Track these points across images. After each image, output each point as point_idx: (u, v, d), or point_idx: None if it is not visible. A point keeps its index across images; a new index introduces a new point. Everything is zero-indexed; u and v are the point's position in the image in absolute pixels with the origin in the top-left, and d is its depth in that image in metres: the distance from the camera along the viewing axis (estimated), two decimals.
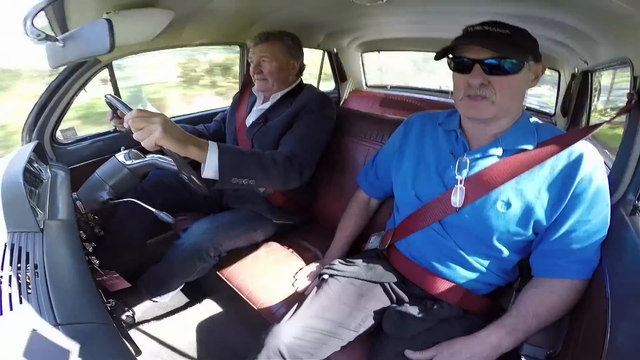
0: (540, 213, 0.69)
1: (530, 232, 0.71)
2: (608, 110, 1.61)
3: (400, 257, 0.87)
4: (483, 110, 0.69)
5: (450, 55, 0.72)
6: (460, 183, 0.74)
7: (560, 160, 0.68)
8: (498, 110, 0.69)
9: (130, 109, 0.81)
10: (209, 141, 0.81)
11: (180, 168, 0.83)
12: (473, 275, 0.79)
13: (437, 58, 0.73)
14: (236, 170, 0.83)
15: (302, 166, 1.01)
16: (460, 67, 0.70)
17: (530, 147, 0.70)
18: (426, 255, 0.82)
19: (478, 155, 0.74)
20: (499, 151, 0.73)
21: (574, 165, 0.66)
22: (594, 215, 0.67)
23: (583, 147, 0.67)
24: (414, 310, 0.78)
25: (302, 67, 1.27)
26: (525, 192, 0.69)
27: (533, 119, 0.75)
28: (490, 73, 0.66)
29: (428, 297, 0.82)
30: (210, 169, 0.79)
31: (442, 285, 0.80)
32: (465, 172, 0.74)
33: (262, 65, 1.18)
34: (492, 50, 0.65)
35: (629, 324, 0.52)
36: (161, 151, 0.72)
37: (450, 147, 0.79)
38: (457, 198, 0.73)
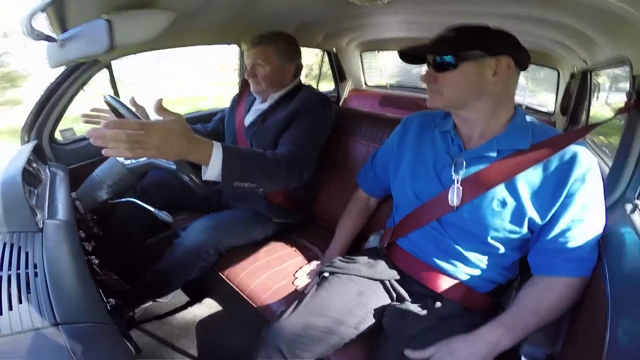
0: (533, 212, 0.70)
1: (525, 230, 0.72)
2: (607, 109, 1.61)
3: (402, 253, 0.88)
4: (432, 100, 0.76)
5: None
6: (458, 183, 0.75)
7: (554, 160, 0.68)
8: (447, 101, 0.74)
9: (131, 111, 0.80)
10: (214, 143, 0.76)
11: (179, 168, 0.83)
12: (473, 272, 0.79)
13: (401, 58, 0.80)
14: (239, 176, 0.82)
15: (302, 167, 1.01)
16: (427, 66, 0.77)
17: (524, 147, 0.71)
18: (426, 251, 0.83)
19: (474, 156, 0.75)
20: (494, 152, 0.73)
21: (568, 165, 0.67)
22: (588, 214, 0.67)
23: (577, 147, 0.68)
24: (414, 308, 0.78)
25: (298, 68, 1.25)
26: (520, 191, 0.70)
27: (529, 118, 0.75)
28: (436, 70, 0.72)
29: (429, 294, 0.82)
30: (212, 173, 0.77)
31: (444, 282, 0.80)
32: (462, 173, 0.75)
33: (256, 69, 1.17)
34: (427, 51, 0.72)
35: (629, 324, 0.52)
36: None
37: (446, 148, 0.80)
38: (454, 197, 0.75)
